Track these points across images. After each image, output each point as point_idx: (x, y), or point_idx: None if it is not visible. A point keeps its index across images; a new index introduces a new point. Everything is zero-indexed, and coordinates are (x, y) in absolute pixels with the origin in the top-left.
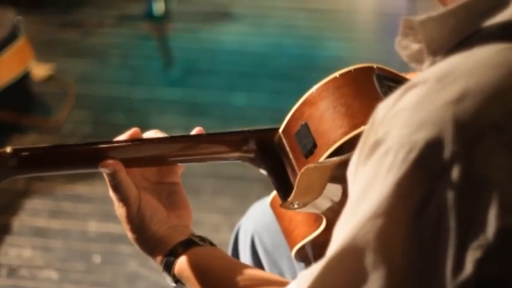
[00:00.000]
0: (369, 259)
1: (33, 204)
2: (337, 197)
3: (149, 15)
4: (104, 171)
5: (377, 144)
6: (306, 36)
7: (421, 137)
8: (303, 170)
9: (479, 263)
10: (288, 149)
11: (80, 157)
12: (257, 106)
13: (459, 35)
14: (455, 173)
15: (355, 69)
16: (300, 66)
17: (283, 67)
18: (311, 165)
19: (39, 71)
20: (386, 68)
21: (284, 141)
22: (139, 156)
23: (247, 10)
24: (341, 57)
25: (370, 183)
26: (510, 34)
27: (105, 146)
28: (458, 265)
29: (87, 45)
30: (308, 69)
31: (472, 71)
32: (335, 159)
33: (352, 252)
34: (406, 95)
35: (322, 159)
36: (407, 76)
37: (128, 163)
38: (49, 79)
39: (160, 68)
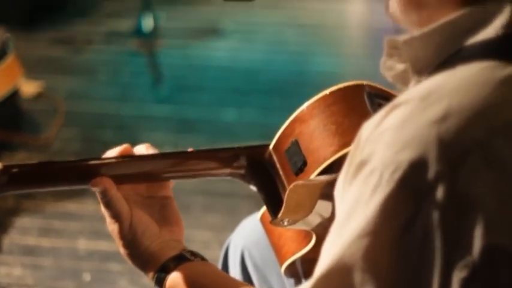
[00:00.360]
0: (357, 278)
1: (22, 222)
2: (327, 214)
3: (138, 32)
4: (95, 190)
5: (362, 164)
6: (295, 52)
7: (405, 157)
8: (291, 186)
9: (465, 283)
10: (278, 166)
11: (71, 174)
12: (247, 122)
13: (443, 53)
14: (439, 192)
15: (345, 87)
16: (290, 82)
17: (272, 83)
18: (299, 182)
19: (29, 88)
20: (376, 85)
21: (274, 158)
22: (130, 172)
23: (236, 26)
24: (331, 73)
25: (356, 203)
26: (492, 52)
27: (95, 162)
28: (445, 285)
29: (77, 62)
30: (298, 84)
31: (455, 90)
32: (324, 177)
33: (340, 272)
34: (390, 115)
35: (312, 177)
36: (397, 93)
37: (119, 179)
38: (38, 96)
39: (149, 85)
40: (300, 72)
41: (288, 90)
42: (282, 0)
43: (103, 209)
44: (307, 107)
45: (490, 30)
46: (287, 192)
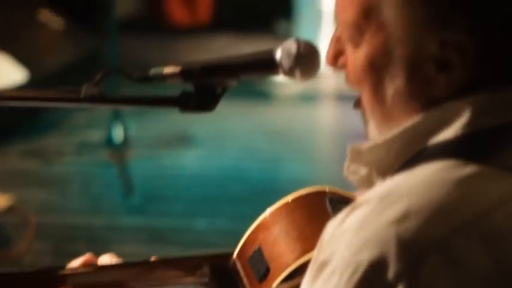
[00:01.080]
0: None
1: None
2: None
3: (109, 142)
4: None
5: (324, 264)
6: (265, 159)
7: (365, 257)
8: None
9: None
10: (242, 273)
11: (34, 285)
12: (219, 231)
13: (405, 156)
14: None
15: (307, 194)
16: (261, 189)
17: (243, 190)
18: None
19: None
20: (338, 190)
21: (238, 265)
22: (94, 282)
23: (206, 133)
24: (301, 179)
25: None
26: (452, 152)
27: (59, 273)
28: None
29: (48, 175)
30: (269, 192)
31: (414, 190)
32: (287, 284)
33: None
34: (350, 215)
35: (275, 284)
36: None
37: None
38: (9, 210)
39: (121, 196)
40: (270, 179)
41: (259, 197)
42: (252, 106)
43: None
44: (270, 214)
45: (450, 131)
46: None
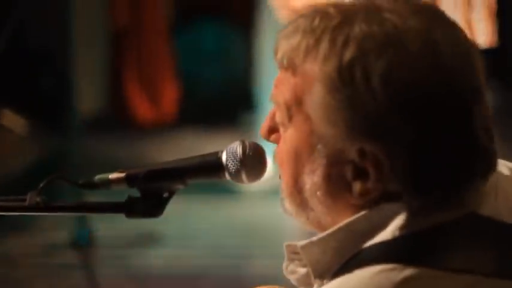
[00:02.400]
0: None
1: None
2: None
3: (74, 243)
4: None
5: None
6: (234, 255)
7: None
8: None
9: None
10: None
11: None
12: None
13: (342, 257)
14: None
15: None
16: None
17: None
18: None
19: None
20: None
21: None
22: None
23: (173, 232)
24: (272, 276)
25: None
26: (389, 254)
27: None
28: None
29: (13, 278)
30: None
31: None
32: None
33: None
34: None
35: None
36: None
37: None
38: None
39: None
40: (239, 276)
41: None
42: (219, 202)
43: None
44: None
45: (387, 233)
46: None
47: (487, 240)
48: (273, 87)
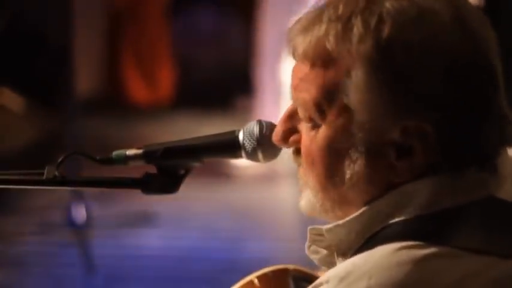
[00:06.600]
0: None
1: None
2: None
3: (70, 223)
4: None
5: None
6: (228, 238)
7: None
8: None
9: None
10: None
11: None
12: None
13: (365, 235)
14: None
15: (271, 271)
16: (222, 270)
17: (206, 271)
18: None
19: None
20: (303, 269)
21: None
22: None
23: (168, 213)
24: (264, 258)
25: None
26: (410, 233)
27: None
28: None
29: (8, 255)
30: (230, 272)
31: (373, 271)
32: None
33: None
34: None
35: None
36: None
37: None
38: None
39: (82, 276)
40: (232, 259)
41: (220, 277)
42: (213, 185)
43: None
44: None
45: (409, 211)
46: None
47: (504, 223)
48: (291, 89)
